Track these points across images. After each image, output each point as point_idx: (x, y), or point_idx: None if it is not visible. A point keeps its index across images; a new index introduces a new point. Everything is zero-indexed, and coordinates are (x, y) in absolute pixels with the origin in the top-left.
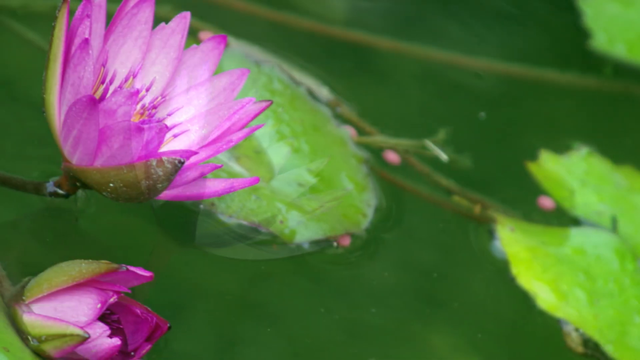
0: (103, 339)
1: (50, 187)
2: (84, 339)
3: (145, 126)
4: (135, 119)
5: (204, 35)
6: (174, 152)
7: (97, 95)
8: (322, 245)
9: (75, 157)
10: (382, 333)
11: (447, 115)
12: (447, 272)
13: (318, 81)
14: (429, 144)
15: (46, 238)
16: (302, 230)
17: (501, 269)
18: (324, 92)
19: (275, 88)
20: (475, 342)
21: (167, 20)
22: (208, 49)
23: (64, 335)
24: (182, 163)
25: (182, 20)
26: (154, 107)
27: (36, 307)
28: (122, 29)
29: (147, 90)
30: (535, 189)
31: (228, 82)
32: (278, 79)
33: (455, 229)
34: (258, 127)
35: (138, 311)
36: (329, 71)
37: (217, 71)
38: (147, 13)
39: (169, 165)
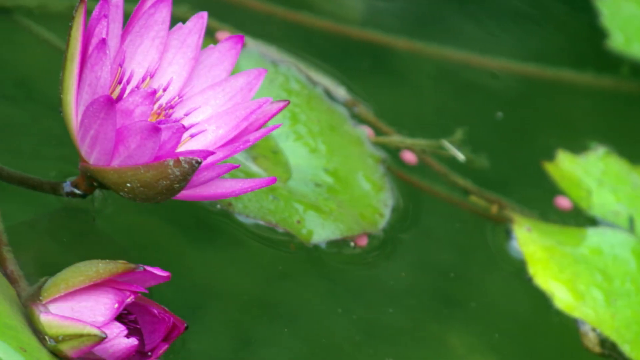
0: (120, 339)
1: (67, 187)
2: (101, 339)
3: (163, 126)
4: (153, 119)
5: (221, 35)
6: (191, 152)
7: (115, 95)
8: (339, 245)
9: (92, 157)
10: (399, 333)
11: (463, 115)
12: (464, 272)
13: (335, 81)
14: (445, 143)
15: (63, 238)
16: (319, 230)
17: (518, 269)
18: (340, 92)
19: (292, 88)
20: (492, 342)
21: (184, 20)
22: (225, 49)
23: (81, 335)
24: (199, 163)
25: (199, 20)
26: (171, 107)
27: (53, 307)
28: (139, 29)
29: (164, 90)
30: (552, 189)
31: (245, 82)
32: (295, 78)
33: (472, 229)
34: (275, 127)
35: (155, 311)
36: (345, 71)
37: (234, 71)
38: (164, 13)
39: (186, 165)
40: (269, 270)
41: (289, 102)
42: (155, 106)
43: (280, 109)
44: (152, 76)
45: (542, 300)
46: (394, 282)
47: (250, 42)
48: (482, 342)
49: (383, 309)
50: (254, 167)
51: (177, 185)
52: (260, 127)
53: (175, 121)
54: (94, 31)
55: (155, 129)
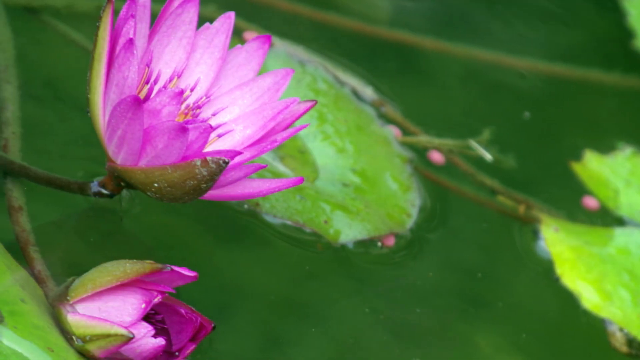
0: (147, 339)
1: (94, 187)
2: (129, 339)
3: (190, 126)
4: (180, 119)
5: (249, 35)
6: (219, 152)
7: (142, 96)
8: (367, 245)
9: (119, 157)
10: (426, 333)
11: (491, 115)
12: (491, 272)
13: (362, 81)
14: (473, 143)
15: (90, 238)
16: (347, 230)
17: (545, 269)
18: (368, 92)
19: (320, 88)
20: (519, 342)
21: (211, 20)
22: (252, 49)
23: (108, 335)
24: (227, 163)
25: (227, 20)
26: (199, 107)
27: (80, 307)
28: (166, 29)
29: (192, 90)
30: (579, 189)
31: (272, 82)
32: (322, 78)
33: (499, 229)
34: (302, 127)
35: (182, 311)
36: (373, 71)
37: (262, 71)
38: (191, 13)
39: (213, 165)
40: (296, 270)
41: (316, 102)
42: (183, 106)
43: (308, 109)
44: (179, 76)
45: (569, 300)
46: (421, 282)
47: (278, 42)
48: (509, 342)
49: (410, 309)
50: (281, 167)
51: (205, 185)
52: (287, 127)
53: (202, 121)
54: (122, 31)
55: (183, 129)
